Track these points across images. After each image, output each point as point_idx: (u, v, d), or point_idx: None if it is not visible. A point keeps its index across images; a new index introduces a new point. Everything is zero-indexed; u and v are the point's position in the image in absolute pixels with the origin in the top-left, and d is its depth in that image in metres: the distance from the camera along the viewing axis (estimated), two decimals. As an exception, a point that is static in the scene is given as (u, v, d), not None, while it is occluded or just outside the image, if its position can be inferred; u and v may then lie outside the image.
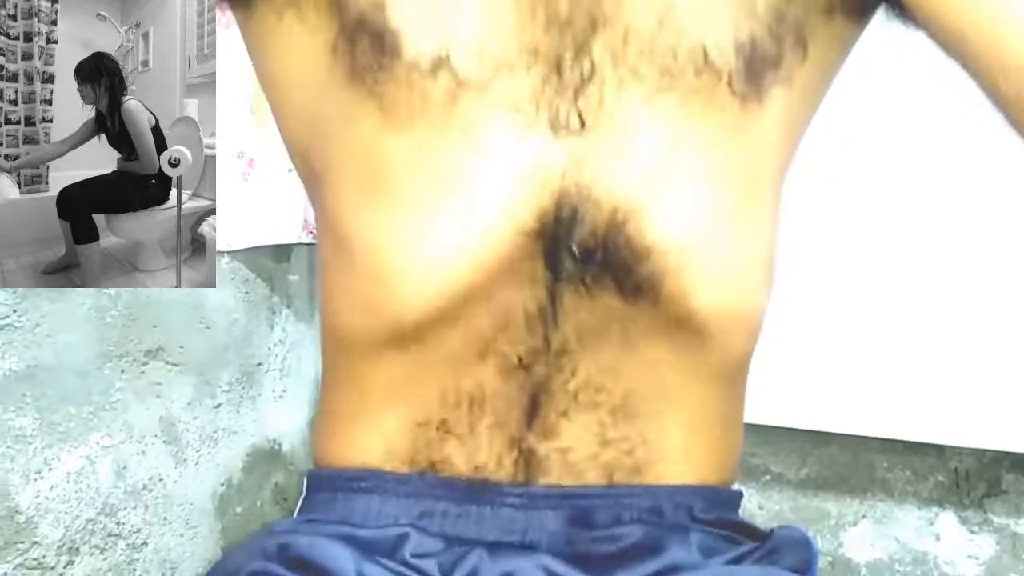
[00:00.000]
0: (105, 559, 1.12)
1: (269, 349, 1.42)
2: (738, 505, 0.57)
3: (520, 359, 0.49)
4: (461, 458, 0.50)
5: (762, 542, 0.53)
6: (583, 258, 0.46)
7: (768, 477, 1.37)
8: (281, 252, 1.43)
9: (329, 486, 0.54)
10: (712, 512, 0.53)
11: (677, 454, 0.52)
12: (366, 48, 0.46)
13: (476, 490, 0.50)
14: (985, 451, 1.27)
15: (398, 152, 0.47)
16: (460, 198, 0.46)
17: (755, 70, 0.47)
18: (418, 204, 0.47)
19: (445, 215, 0.47)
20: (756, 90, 0.47)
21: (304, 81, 0.50)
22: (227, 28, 1.08)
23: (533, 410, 0.50)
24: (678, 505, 0.52)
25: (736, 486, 0.58)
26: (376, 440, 0.52)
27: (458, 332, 0.49)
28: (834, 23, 0.49)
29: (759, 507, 1.38)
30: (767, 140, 0.49)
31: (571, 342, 0.49)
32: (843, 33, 0.50)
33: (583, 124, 0.46)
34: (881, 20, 0.50)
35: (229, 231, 1.27)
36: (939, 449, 1.30)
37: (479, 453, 0.50)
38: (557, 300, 0.48)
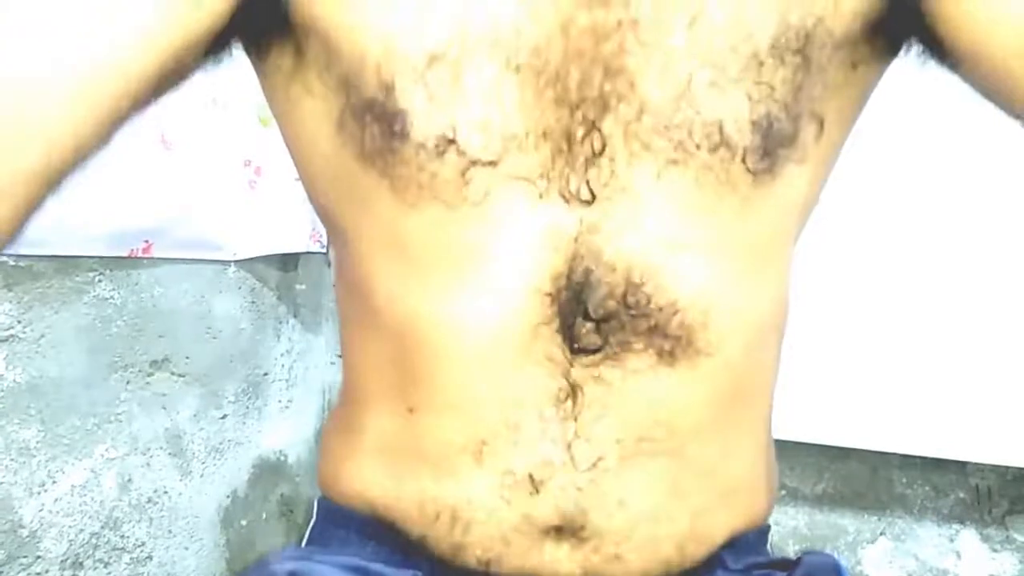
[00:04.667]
0: (109, 573, 1.11)
1: (275, 359, 1.41)
2: (767, 540, 0.56)
3: (531, 476, 0.46)
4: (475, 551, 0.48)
5: (791, 570, 0.51)
6: (602, 321, 0.45)
7: (784, 492, 1.35)
8: (288, 261, 1.42)
9: (343, 524, 0.53)
10: (742, 560, 0.52)
11: (721, 530, 0.51)
12: (374, 131, 0.46)
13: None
14: (1007, 468, 1.25)
15: (414, 226, 0.47)
16: (477, 268, 0.46)
17: (771, 147, 0.46)
18: (439, 276, 0.47)
19: (464, 286, 0.46)
20: (770, 167, 0.46)
21: (317, 148, 0.49)
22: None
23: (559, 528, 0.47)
24: (710, 561, 0.51)
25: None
26: (379, 479, 0.51)
27: (455, 422, 0.47)
28: (857, 75, 0.48)
29: (775, 523, 1.36)
30: (780, 213, 0.49)
31: (604, 448, 0.46)
32: (865, 81, 0.49)
33: (593, 196, 0.45)
34: (911, 61, 0.49)
35: (236, 239, 1.25)
36: (960, 465, 1.28)
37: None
38: (579, 392, 0.46)
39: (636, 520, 0.47)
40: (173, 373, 1.19)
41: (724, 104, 0.45)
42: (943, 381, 1.18)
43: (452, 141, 0.45)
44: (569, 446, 0.46)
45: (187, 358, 1.21)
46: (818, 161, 0.49)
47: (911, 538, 1.32)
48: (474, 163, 0.45)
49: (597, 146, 0.45)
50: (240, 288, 1.31)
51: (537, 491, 0.46)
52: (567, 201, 0.45)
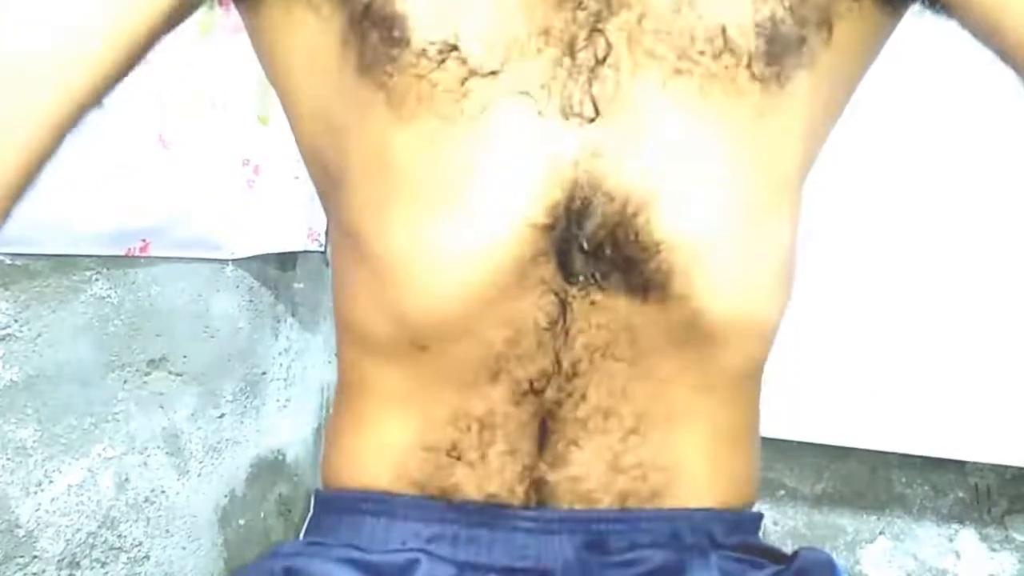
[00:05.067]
0: (106, 573, 1.11)
1: (273, 358, 1.40)
2: (759, 528, 0.55)
3: (531, 383, 0.47)
4: (471, 486, 0.49)
5: (787, 565, 0.51)
6: (592, 254, 0.45)
7: (783, 492, 1.35)
8: (286, 260, 1.42)
9: (336, 508, 0.52)
10: (733, 536, 0.51)
11: (693, 478, 0.50)
12: (375, 38, 0.45)
13: (487, 514, 0.49)
14: (1006, 467, 1.25)
15: (407, 146, 0.45)
16: (470, 193, 0.45)
17: (776, 52, 0.45)
18: (429, 201, 0.45)
19: (456, 212, 0.45)
20: (778, 73, 0.45)
21: (315, 78, 0.49)
22: (234, 34, 1.07)
23: (543, 437, 0.48)
24: (697, 529, 0.50)
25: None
26: (385, 462, 0.51)
27: (469, 345, 0.47)
28: (863, 8, 0.48)
29: (773, 523, 1.36)
30: (789, 128, 0.47)
31: (582, 363, 0.47)
32: (872, 20, 0.49)
33: (597, 111, 0.44)
34: (913, 13, 0.48)
35: (234, 238, 1.25)
36: (959, 465, 1.28)
37: (490, 482, 0.49)
38: (568, 310, 0.46)
39: (591, 412, 0.48)
40: (171, 372, 1.19)
41: (726, 6, 0.43)
42: (942, 381, 1.18)
43: (454, 47, 0.44)
44: (557, 354, 0.47)
45: (185, 357, 1.21)
46: (830, 69, 0.48)
47: (910, 538, 1.32)
48: (474, 72, 0.44)
49: (600, 53, 0.44)
50: (238, 287, 1.31)
51: (536, 395, 0.48)
52: (568, 119, 0.44)
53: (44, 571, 1.02)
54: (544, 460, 0.48)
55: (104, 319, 1.08)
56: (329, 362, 1.53)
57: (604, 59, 0.44)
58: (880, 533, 1.33)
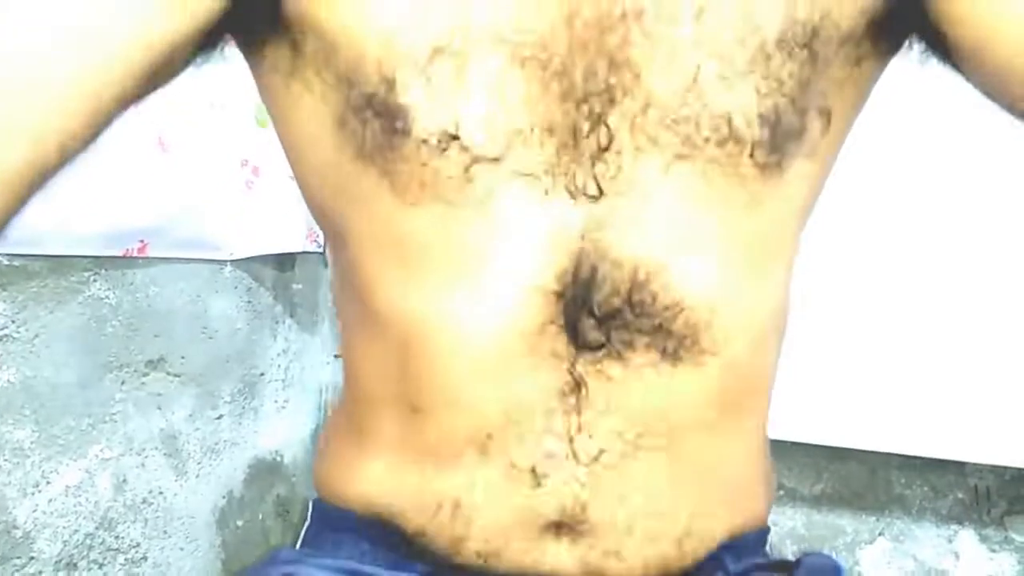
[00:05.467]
0: (104, 574, 1.10)
1: (271, 359, 1.40)
2: (766, 541, 0.55)
3: (533, 469, 0.46)
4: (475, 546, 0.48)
5: (790, 574, 0.51)
6: (609, 318, 0.45)
7: (782, 493, 1.35)
8: (285, 261, 1.41)
9: (337, 525, 0.52)
10: (742, 561, 0.51)
11: (718, 531, 0.50)
12: (375, 127, 0.45)
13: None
14: (1006, 468, 1.25)
15: (416, 228, 0.46)
16: (481, 270, 0.45)
17: (778, 142, 0.45)
18: (439, 277, 0.46)
19: (467, 287, 0.45)
20: (779, 161, 0.46)
21: (317, 150, 0.48)
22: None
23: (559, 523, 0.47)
24: (709, 559, 0.50)
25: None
26: (380, 491, 0.50)
27: (460, 416, 0.46)
28: (862, 71, 0.48)
29: (772, 524, 1.35)
30: (787, 209, 0.48)
31: (607, 453, 0.46)
32: (869, 77, 0.49)
33: (600, 191, 0.45)
34: (913, 59, 0.48)
35: (233, 240, 1.25)
36: (959, 466, 1.28)
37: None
38: (583, 387, 0.46)
39: (635, 515, 0.47)
40: (168, 373, 1.19)
41: (732, 97, 0.44)
42: (941, 381, 1.18)
43: (455, 137, 0.44)
44: (572, 440, 0.46)
45: (182, 358, 1.21)
46: (824, 157, 0.49)
47: (909, 539, 1.32)
48: (477, 160, 0.44)
49: (603, 140, 0.44)
50: (236, 288, 1.31)
51: (539, 484, 0.46)
52: (573, 197, 0.45)
53: (41, 572, 1.02)
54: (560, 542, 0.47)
55: (102, 320, 1.08)
56: (327, 363, 1.53)
57: (608, 146, 0.45)
58: (879, 534, 1.33)
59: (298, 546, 0.55)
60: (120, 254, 1.08)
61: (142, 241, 1.10)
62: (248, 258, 1.30)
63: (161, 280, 1.16)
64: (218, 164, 1.20)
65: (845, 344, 1.22)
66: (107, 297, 1.08)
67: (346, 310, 0.52)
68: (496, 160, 0.44)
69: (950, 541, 1.30)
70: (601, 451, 0.46)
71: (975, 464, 1.26)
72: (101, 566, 1.10)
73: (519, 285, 0.45)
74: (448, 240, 0.45)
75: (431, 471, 0.48)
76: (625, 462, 0.46)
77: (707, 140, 0.44)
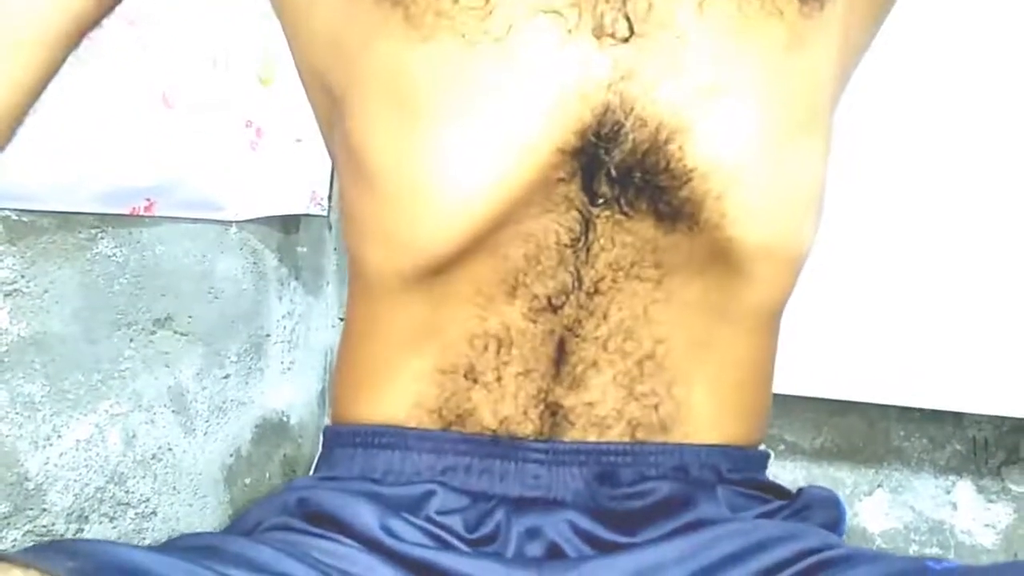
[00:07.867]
0: (114, 527, 1.12)
1: (277, 321, 1.41)
2: (765, 466, 0.55)
3: (550, 299, 0.47)
4: (487, 410, 0.49)
5: (792, 500, 0.52)
6: (620, 179, 0.44)
7: (782, 446, 1.36)
8: (290, 223, 1.42)
9: (349, 442, 0.52)
10: (739, 472, 0.51)
11: (703, 412, 0.50)
12: None
13: (500, 445, 0.49)
14: (1004, 419, 1.26)
15: (425, 65, 0.43)
16: (493, 113, 0.43)
17: None
18: (447, 121, 0.44)
19: (476, 131, 0.43)
20: None
21: None
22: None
23: (560, 358, 0.48)
24: (704, 464, 0.50)
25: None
26: (400, 392, 0.50)
27: (488, 263, 0.46)
28: None
29: (773, 477, 1.37)
30: (824, 55, 0.46)
31: (604, 281, 0.46)
32: None
33: (631, 31, 0.42)
34: None
35: (237, 201, 1.26)
36: (957, 417, 1.29)
37: (505, 405, 0.49)
38: (591, 229, 0.45)
39: (616, 329, 0.48)
40: (176, 331, 1.20)
41: None
42: (940, 333, 1.19)
43: None
44: (578, 271, 0.46)
45: (190, 317, 1.22)
46: (859, 6, 0.47)
47: (908, 490, 1.33)
48: None
49: None
50: (242, 249, 1.32)
51: (555, 312, 0.47)
52: (598, 38, 0.42)
53: (53, 524, 1.04)
54: (559, 383, 0.48)
55: (110, 277, 1.09)
56: (332, 326, 1.54)
57: None
58: (878, 486, 1.34)
59: (312, 473, 0.56)
60: (127, 212, 1.09)
61: (148, 200, 1.11)
62: (253, 220, 1.31)
63: (168, 239, 1.17)
64: (222, 125, 1.21)
65: (844, 298, 1.22)
66: (114, 255, 1.10)
67: (348, 189, 0.51)
68: None
69: (948, 492, 1.31)
70: (600, 278, 0.47)
71: (973, 415, 1.27)
72: (112, 519, 1.12)
73: (536, 137, 0.43)
74: (458, 79, 0.43)
75: (473, 316, 0.48)
76: (615, 288, 0.47)
77: None
